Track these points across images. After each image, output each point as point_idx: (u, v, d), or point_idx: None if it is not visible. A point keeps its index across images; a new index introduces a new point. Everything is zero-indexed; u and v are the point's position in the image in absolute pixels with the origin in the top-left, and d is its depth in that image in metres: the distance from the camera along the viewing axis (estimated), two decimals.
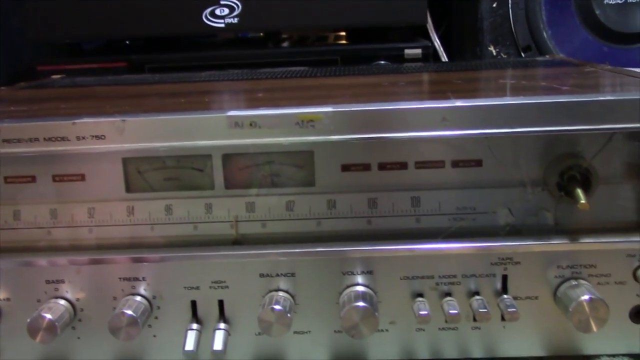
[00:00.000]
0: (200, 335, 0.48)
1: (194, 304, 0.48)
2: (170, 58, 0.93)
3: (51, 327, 0.46)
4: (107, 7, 0.91)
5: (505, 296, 0.47)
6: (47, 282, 0.48)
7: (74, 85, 0.72)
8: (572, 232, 0.47)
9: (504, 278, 0.47)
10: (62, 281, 0.48)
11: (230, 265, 0.47)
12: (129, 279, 0.48)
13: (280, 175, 0.48)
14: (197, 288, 0.48)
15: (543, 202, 0.47)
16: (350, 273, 0.47)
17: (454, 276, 0.47)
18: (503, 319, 0.47)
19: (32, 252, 0.49)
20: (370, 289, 0.47)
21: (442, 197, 0.48)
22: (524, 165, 0.47)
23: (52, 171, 0.49)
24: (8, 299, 0.48)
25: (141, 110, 0.48)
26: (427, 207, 0.48)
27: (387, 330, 0.48)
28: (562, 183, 0.46)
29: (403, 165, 0.47)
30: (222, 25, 0.92)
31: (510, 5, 1.02)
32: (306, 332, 0.49)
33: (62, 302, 0.48)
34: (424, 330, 0.48)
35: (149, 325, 0.48)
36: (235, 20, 0.92)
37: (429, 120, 0.44)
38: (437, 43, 1.06)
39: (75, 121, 0.45)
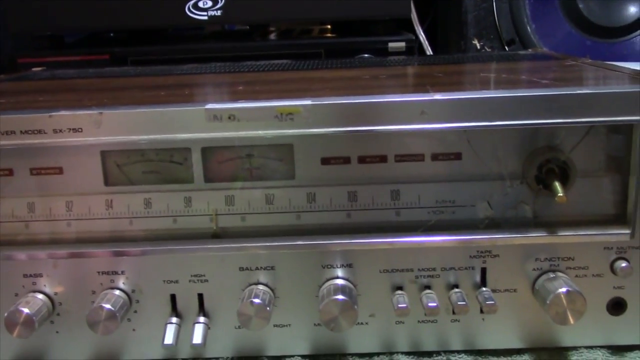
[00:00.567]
0: (179, 329, 0.48)
1: (173, 297, 0.48)
2: (153, 51, 0.93)
3: (29, 321, 0.46)
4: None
5: (484, 289, 0.47)
6: (25, 275, 0.48)
7: (54, 78, 0.72)
8: (551, 225, 0.47)
9: (483, 271, 0.47)
10: (40, 275, 0.48)
11: (210, 259, 0.47)
12: (107, 273, 0.48)
13: (259, 169, 0.48)
14: (177, 282, 0.48)
15: (522, 195, 0.47)
16: (330, 266, 0.47)
17: (434, 269, 0.47)
18: (482, 311, 0.47)
19: (10, 245, 0.48)
20: (350, 282, 0.47)
21: (421, 190, 0.48)
22: (503, 158, 0.47)
23: (30, 164, 0.48)
24: None
25: (119, 103, 0.48)
26: (406, 200, 0.48)
27: (366, 323, 0.48)
28: (540, 176, 0.46)
29: (383, 159, 0.47)
30: (206, 17, 0.92)
31: None
32: (286, 326, 0.49)
33: (40, 296, 0.48)
34: (403, 323, 0.48)
35: (128, 319, 0.48)
36: (219, 13, 0.91)
37: (408, 113, 0.44)
38: (422, 36, 1.06)
39: (52, 114, 0.45)
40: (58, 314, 0.48)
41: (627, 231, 0.46)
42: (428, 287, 0.47)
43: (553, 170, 0.46)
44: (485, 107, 0.44)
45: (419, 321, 0.48)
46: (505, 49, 1.04)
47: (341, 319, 0.45)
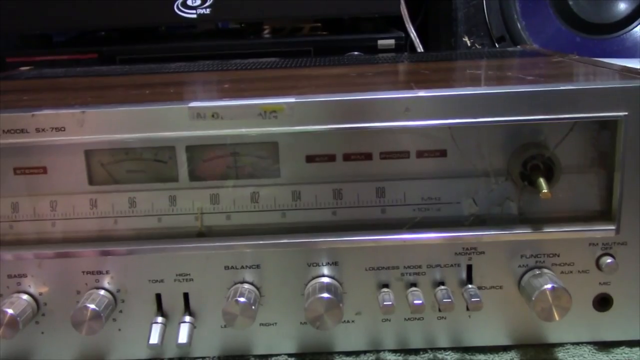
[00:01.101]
0: (165, 329, 0.47)
1: (158, 297, 0.48)
2: (141, 49, 0.92)
3: (13, 322, 0.46)
4: None
5: (469, 286, 0.47)
6: (9, 276, 0.48)
7: (41, 77, 0.71)
8: (536, 222, 0.47)
9: (469, 268, 0.47)
10: (25, 275, 0.48)
11: (195, 258, 0.47)
12: (92, 273, 0.47)
13: (244, 167, 0.48)
14: (162, 281, 0.47)
15: (507, 192, 0.47)
16: (315, 264, 0.47)
17: (419, 266, 0.47)
18: (468, 308, 0.47)
19: None
20: (336, 280, 0.47)
21: (407, 188, 0.48)
22: (488, 155, 0.47)
23: (14, 164, 0.48)
24: None
25: (103, 101, 0.48)
26: (392, 197, 0.48)
27: (353, 321, 0.48)
28: (525, 172, 0.46)
29: (368, 156, 0.47)
30: (194, 16, 0.92)
31: None
32: (272, 324, 0.48)
33: (25, 296, 0.48)
34: (389, 320, 0.48)
35: (114, 319, 0.48)
36: (208, 11, 0.91)
37: (392, 110, 0.44)
38: (412, 34, 1.05)
39: (35, 113, 0.45)
40: (43, 315, 0.48)
41: (612, 227, 0.46)
42: (414, 284, 0.47)
43: (538, 167, 0.46)
44: (469, 104, 0.44)
45: (405, 319, 0.48)
46: (495, 45, 1.04)
47: (326, 318, 0.45)
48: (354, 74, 0.60)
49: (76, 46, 0.97)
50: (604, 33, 1.06)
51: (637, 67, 0.52)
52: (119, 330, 0.48)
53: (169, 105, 0.45)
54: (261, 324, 0.48)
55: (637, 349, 0.48)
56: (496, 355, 0.48)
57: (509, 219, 0.47)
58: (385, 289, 0.47)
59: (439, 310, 0.47)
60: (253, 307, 0.45)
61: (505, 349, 0.49)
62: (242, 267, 0.47)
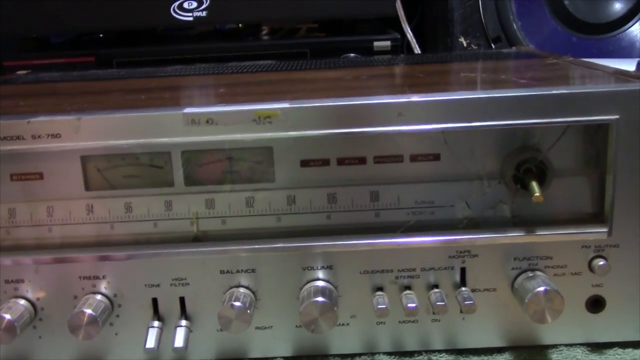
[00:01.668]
0: (161, 333, 0.48)
1: (155, 301, 0.48)
2: (139, 52, 0.93)
3: (10, 327, 0.46)
4: (75, 0, 0.90)
5: (463, 289, 0.47)
6: (7, 281, 0.48)
7: (38, 82, 0.72)
8: (529, 225, 0.47)
9: (463, 271, 0.47)
10: (22, 281, 0.48)
11: (191, 262, 0.47)
12: (89, 278, 0.48)
13: (239, 172, 0.48)
14: (158, 285, 0.48)
15: (500, 195, 0.48)
16: (310, 268, 0.47)
17: (413, 269, 0.47)
18: (462, 311, 0.47)
19: None
20: (331, 283, 0.47)
21: (400, 191, 0.48)
22: (481, 158, 0.47)
23: (10, 170, 0.48)
24: None
25: (99, 107, 0.48)
26: (386, 201, 0.48)
27: (348, 324, 0.49)
28: (518, 176, 0.47)
29: (362, 160, 0.48)
30: (191, 18, 0.92)
31: None
32: (268, 328, 0.49)
33: (22, 301, 0.48)
34: (384, 323, 0.49)
35: (110, 324, 0.48)
36: (204, 14, 0.91)
37: (385, 115, 0.45)
38: (409, 35, 1.06)
39: (31, 120, 0.45)
40: (40, 319, 0.49)
41: (605, 229, 0.46)
42: (408, 287, 0.48)
43: (531, 170, 0.46)
44: (462, 108, 0.44)
45: (400, 321, 0.49)
46: (491, 46, 1.04)
47: (321, 321, 0.45)
48: (349, 77, 0.60)
49: (73, 49, 0.97)
50: (599, 33, 1.06)
51: (633, 67, 0.52)
52: (116, 334, 0.49)
53: (164, 112, 0.45)
54: (257, 328, 0.49)
55: (630, 349, 0.48)
56: (490, 357, 0.49)
57: (502, 222, 0.48)
58: (379, 292, 0.47)
59: (433, 313, 0.47)
60: (248, 311, 0.46)
61: (499, 350, 0.49)
62: (238, 271, 0.48)
